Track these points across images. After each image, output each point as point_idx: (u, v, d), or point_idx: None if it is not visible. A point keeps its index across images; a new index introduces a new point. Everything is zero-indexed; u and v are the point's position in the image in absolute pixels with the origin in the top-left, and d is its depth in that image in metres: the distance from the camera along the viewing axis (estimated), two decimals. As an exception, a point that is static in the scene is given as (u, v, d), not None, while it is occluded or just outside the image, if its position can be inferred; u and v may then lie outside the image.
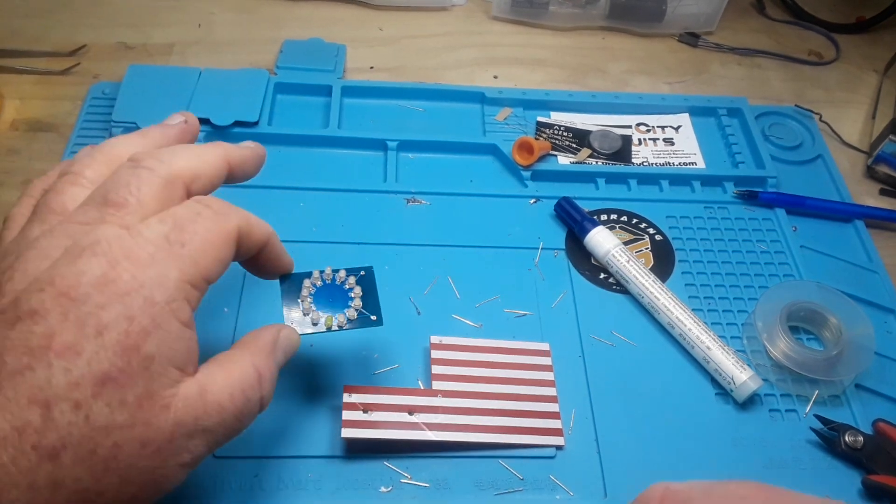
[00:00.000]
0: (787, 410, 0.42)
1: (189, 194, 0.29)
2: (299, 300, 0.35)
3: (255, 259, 0.32)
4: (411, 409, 0.37)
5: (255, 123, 0.52)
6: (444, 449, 0.38)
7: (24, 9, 0.61)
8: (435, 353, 0.40)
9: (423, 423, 0.37)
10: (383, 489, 0.36)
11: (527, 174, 0.52)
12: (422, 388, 0.40)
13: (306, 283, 0.35)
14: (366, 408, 0.37)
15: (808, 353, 0.42)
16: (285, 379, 0.38)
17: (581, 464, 0.38)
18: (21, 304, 0.24)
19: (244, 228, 0.29)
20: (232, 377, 0.28)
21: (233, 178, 0.32)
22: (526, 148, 0.52)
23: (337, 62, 0.58)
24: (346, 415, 0.36)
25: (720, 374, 0.41)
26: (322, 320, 0.34)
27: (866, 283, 0.48)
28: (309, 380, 0.40)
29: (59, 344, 0.23)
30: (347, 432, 0.36)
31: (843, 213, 0.52)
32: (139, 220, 0.26)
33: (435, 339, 0.40)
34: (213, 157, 0.31)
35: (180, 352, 0.26)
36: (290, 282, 0.35)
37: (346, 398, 0.37)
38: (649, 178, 0.53)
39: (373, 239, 0.47)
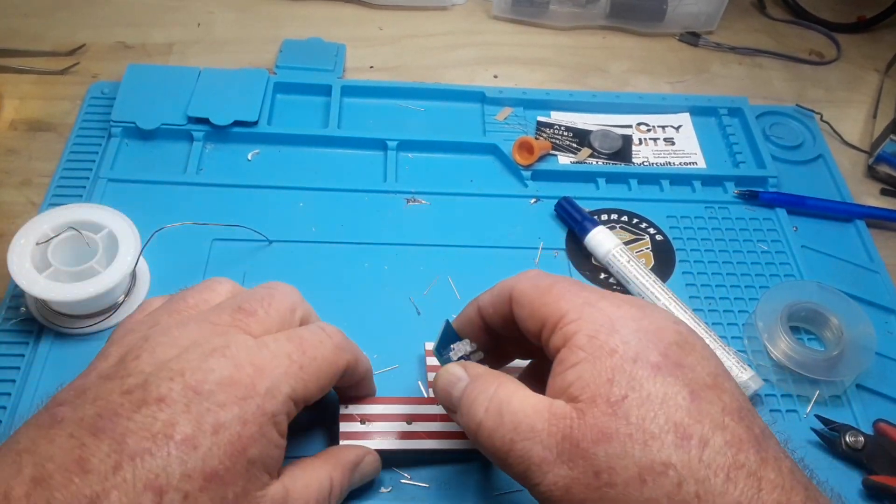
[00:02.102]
0: (787, 411, 0.42)
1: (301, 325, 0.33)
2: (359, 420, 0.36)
3: (346, 387, 0.36)
4: (410, 419, 0.36)
5: (255, 123, 0.52)
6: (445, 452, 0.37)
7: (23, 8, 0.61)
8: (430, 360, 0.39)
9: (423, 433, 0.36)
10: (383, 489, 0.36)
11: (527, 174, 0.52)
12: (423, 391, 0.40)
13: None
14: (363, 418, 0.36)
15: (808, 353, 0.42)
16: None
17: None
18: (150, 389, 0.26)
19: (352, 364, 0.32)
20: (311, 486, 0.30)
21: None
22: (526, 147, 0.52)
23: (337, 62, 0.58)
24: (344, 426, 0.36)
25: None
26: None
27: (867, 283, 0.48)
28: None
29: (180, 434, 0.25)
30: (345, 444, 0.35)
31: (844, 212, 0.52)
32: (263, 332, 0.30)
33: (430, 346, 0.39)
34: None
35: (274, 459, 0.28)
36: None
37: (343, 409, 0.36)
38: (650, 177, 0.53)
39: (373, 239, 0.47)
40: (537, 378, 0.32)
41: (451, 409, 0.31)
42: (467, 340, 0.34)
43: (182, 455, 0.25)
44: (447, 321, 0.35)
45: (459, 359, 0.33)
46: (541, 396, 0.28)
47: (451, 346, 0.34)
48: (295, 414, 0.29)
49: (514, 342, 0.35)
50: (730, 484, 0.24)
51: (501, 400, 0.28)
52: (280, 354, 0.29)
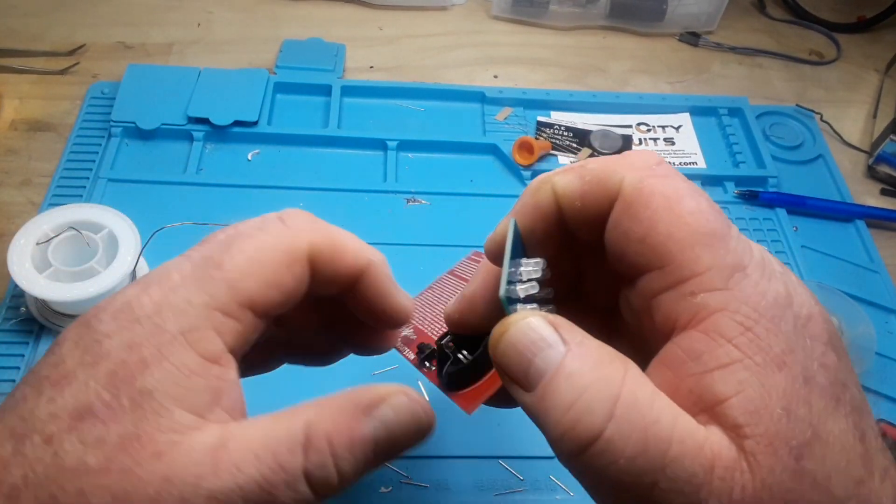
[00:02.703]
0: (788, 411, 0.42)
1: None
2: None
3: (352, 298, 0.25)
4: None
5: (255, 123, 0.52)
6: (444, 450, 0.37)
7: (22, 8, 0.61)
8: None
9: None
10: (383, 489, 0.36)
11: (527, 174, 0.52)
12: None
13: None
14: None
15: (809, 353, 0.42)
16: (281, 376, 0.38)
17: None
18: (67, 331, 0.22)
19: (323, 248, 0.23)
20: (269, 435, 0.20)
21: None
22: (526, 148, 0.52)
23: (336, 62, 0.58)
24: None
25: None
26: None
27: (867, 283, 0.48)
28: (307, 378, 0.40)
29: (59, 373, 0.20)
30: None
31: (844, 212, 0.52)
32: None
33: None
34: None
35: (196, 392, 0.20)
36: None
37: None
38: (650, 177, 0.53)
39: (373, 239, 0.46)
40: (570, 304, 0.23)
41: (524, 384, 0.20)
42: (540, 260, 0.22)
43: (54, 394, 0.20)
44: (514, 223, 0.23)
45: (527, 299, 0.22)
46: (688, 416, 0.19)
47: (519, 265, 0.22)
48: (239, 329, 0.22)
49: (594, 254, 0.24)
50: None
51: (641, 405, 0.18)
52: (197, 258, 0.22)
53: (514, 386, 0.20)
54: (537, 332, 0.20)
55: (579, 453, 0.18)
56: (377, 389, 0.22)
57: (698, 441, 0.18)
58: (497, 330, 0.21)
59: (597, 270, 0.25)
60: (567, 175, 0.22)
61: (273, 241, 0.22)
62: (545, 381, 0.19)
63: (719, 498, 0.18)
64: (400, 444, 0.22)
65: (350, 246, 0.24)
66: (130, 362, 0.20)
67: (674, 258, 0.20)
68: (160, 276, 0.22)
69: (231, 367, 0.22)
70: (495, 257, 0.24)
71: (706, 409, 0.19)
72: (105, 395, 0.20)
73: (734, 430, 0.18)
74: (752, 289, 0.19)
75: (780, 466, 0.18)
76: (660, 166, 0.22)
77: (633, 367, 0.19)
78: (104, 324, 0.21)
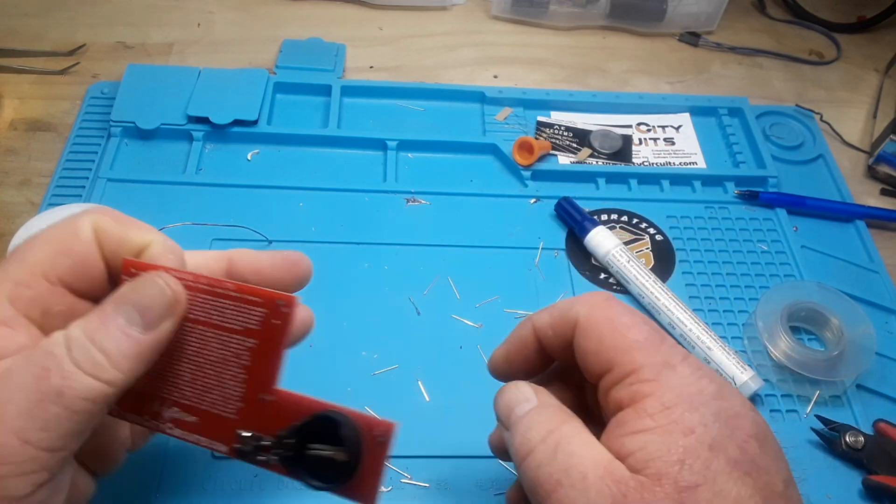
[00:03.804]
0: (787, 411, 0.42)
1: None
2: None
3: None
4: None
5: (255, 123, 0.52)
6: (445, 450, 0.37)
7: (22, 8, 0.61)
8: None
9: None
10: (383, 489, 0.36)
11: (527, 174, 0.52)
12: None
13: None
14: None
15: (809, 353, 0.42)
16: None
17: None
18: None
19: (106, 221, 0.27)
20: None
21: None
22: (526, 147, 0.52)
23: (336, 61, 0.58)
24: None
25: (721, 375, 0.41)
26: None
27: (867, 283, 0.48)
28: (306, 378, 0.40)
29: None
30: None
31: (844, 213, 0.52)
32: None
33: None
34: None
35: None
36: None
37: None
38: (650, 177, 0.53)
39: (373, 239, 0.47)
40: (563, 381, 0.31)
41: (505, 425, 0.28)
42: None
43: None
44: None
45: None
46: (603, 448, 0.25)
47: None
48: (43, 298, 0.26)
49: (572, 368, 0.31)
50: None
51: (562, 436, 0.26)
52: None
53: (503, 428, 0.29)
54: (523, 392, 0.28)
55: (522, 463, 0.26)
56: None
57: (598, 460, 0.24)
58: (499, 391, 0.30)
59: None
60: (543, 315, 0.30)
61: (62, 220, 0.27)
62: (516, 421, 0.28)
63: (605, 497, 0.23)
64: (153, 311, 0.25)
65: (136, 224, 0.28)
66: None
67: (617, 362, 0.26)
68: None
69: (21, 332, 0.25)
70: (501, 375, 0.32)
71: (619, 459, 0.24)
72: None
73: (633, 471, 0.24)
74: (679, 380, 0.25)
75: (664, 494, 0.23)
76: (607, 301, 0.28)
77: (575, 420, 0.27)
78: None
